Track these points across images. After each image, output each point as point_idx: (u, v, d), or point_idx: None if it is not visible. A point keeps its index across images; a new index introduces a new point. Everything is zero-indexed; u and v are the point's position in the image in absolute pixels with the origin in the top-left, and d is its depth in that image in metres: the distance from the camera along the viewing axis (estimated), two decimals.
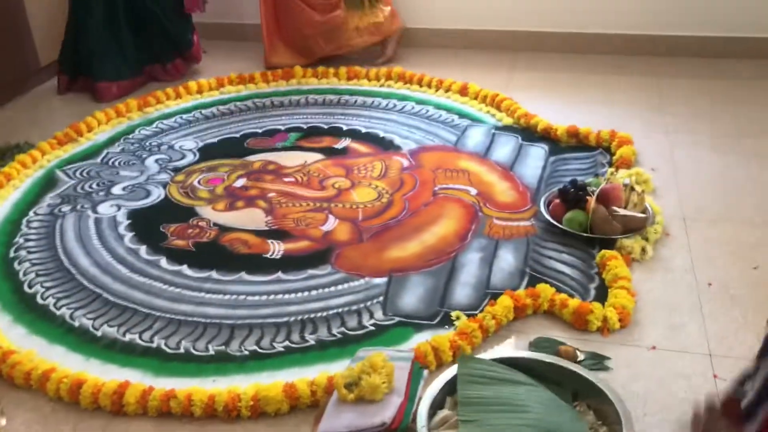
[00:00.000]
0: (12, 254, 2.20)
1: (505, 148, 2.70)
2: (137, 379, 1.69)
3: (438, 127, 2.89)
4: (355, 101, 3.17)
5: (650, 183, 2.39)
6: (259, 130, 2.94)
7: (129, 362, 1.77)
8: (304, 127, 2.95)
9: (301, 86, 3.35)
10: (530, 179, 2.48)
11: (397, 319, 1.87)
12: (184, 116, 3.09)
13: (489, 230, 2.21)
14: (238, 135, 2.91)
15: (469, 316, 1.85)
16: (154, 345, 1.82)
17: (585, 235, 2.11)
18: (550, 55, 3.58)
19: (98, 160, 2.74)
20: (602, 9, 3.51)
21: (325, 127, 2.94)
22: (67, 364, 1.75)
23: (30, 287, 2.05)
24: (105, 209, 2.42)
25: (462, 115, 2.98)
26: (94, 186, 2.56)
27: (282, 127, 2.95)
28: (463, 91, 3.12)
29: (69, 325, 1.89)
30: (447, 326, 1.83)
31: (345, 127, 2.93)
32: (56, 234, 2.29)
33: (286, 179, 2.54)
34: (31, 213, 2.41)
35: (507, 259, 2.07)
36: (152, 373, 1.73)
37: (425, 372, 1.58)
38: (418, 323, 1.85)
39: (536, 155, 2.64)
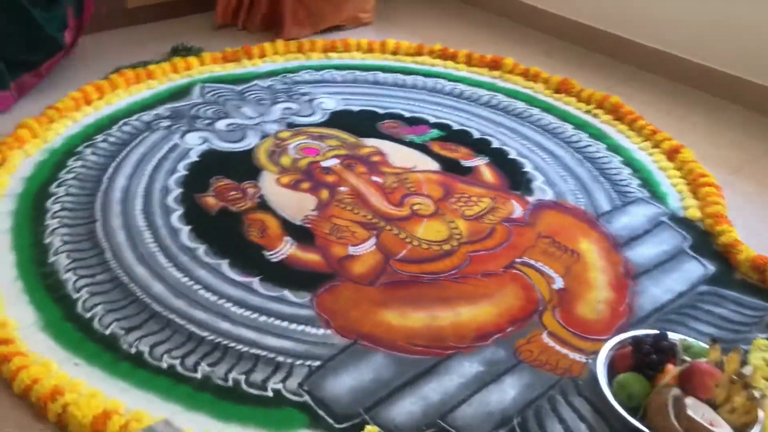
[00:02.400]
0: (80, 149, 2.20)
1: (657, 246, 1.98)
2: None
3: (602, 186, 2.23)
4: (539, 120, 2.59)
5: None
6: (407, 114, 2.56)
7: (37, 302, 1.65)
8: (454, 127, 2.50)
9: (501, 82, 2.84)
10: (648, 301, 1.78)
11: (305, 398, 1.46)
12: (358, 73, 2.83)
13: (524, 343, 1.63)
14: (381, 111, 2.57)
15: None
16: (76, 296, 1.66)
17: (626, 416, 1.43)
18: None
19: (237, 88, 2.63)
20: None
21: (476, 135, 2.45)
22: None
23: (58, 185, 2.03)
24: (192, 139, 2.30)
25: (646, 183, 2.26)
26: (209, 113, 2.46)
27: (431, 119, 2.53)
28: (672, 155, 2.37)
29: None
30: None
31: (496, 144, 2.41)
32: (129, 145, 2.24)
33: (375, 178, 2.17)
34: (134, 117, 2.39)
35: (505, 393, 1.50)
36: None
37: None
38: (321, 417, 1.42)
39: (688, 273, 1.89)
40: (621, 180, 2.27)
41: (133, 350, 1.53)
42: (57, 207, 1.94)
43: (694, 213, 2.10)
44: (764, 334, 1.70)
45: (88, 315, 1.61)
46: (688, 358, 1.49)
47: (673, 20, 2.91)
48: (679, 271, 1.90)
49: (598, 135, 2.52)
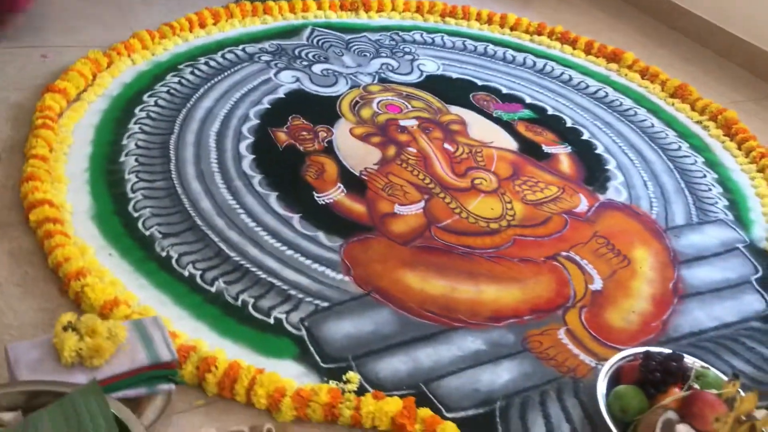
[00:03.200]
0: (181, 67, 2.33)
1: (721, 272, 1.85)
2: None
3: (684, 199, 2.09)
4: (642, 121, 2.46)
5: None
6: (504, 89, 2.51)
7: (96, 194, 1.79)
8: (548, 111, 2.42)
9: (616, 76, 2.71)
10: (687, 323, 1.68)
11: (302, 332, 1.51)
12: (469, 41, 2.79)
13: (536, 334, 1.59)
14: (479, 82, 2.53)
15: (360, 390, 1.39)
16: (131, 196, 1.79)
17: (611, 426, 1.36)
18: None
19: (346, 37, 2.67)
20: None
21: (569, 123, 2.37)
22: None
23: (150, 95, 2.16)
24: (285, 77, 2.38)
25: (734, 206, 2.10)
26: (310, 56, 2.52)
27: (527, 99, 2.47)
28: None
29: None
30: (325, 378, 1.42)
31: (586, 136, 2.32)
32: (226, 72, 2.35)
33: (447, 145, 2.15)
34: (240, 47, 2.49)
35: (499, 376, 1.48)
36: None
37: (167, 386, 1.24)
38: (310, 353, 1.46)
39: (745, 305, 1.76)
40: (708, 197, 2.12)
41: (163, 254, 1.64)
42: (143, 114, 2.08)
43: None
44: None
45: (136, 214, 1.73)
46: (697, 386, 1.39)
47: None
48: (736, 302, 1.76)
49: (699, 147, 2.36)
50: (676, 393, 1.37)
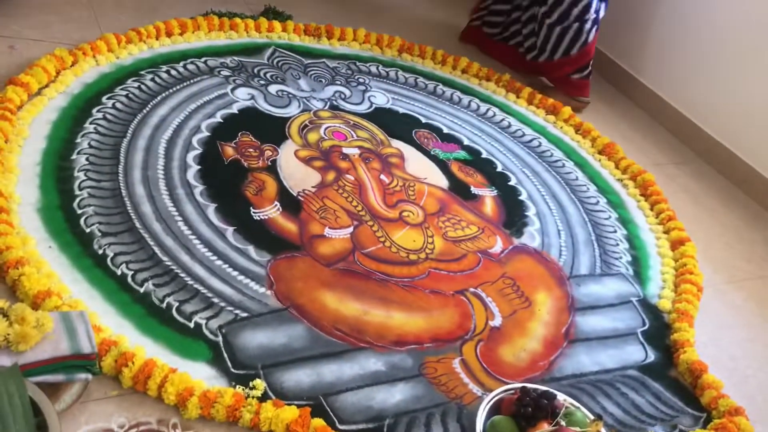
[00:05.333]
0: (143, 73, 2.45)
1: (611, 322, 2.04)
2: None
3: (592, 251, 2.29)
4: (568, 173, 2.66)
5: None
6: (445, 129, 2.68)
7: (44, 188, 1.91)
8: (482, 155, 2.60)
9: (552, 127, 2.91)
10: (571, 365, 1.86)
11: (219, 339, 1.64)
12: (421, 79, 2.96)
13: (433, 361, 1.75)
14: (423, 120, 2.70)
15: (264, 397, 1.54)
16: (77, 193, 1.91)
17: None
18: None
19: (305, 61, 2.83)
20: None
21: (499, 168, 2.55)
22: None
23: (109, 98, 2.28)
24: (240, 94, 2.52)
25: (636, 262, 2.30)
26: (268, 76, 2.67)
27: (465, 141, 2.65)
28: (675, 245, 2.38)
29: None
30: (234, 383, 1.56)
31: (512, 182, 2.51)
32: (186, 82, 2.48)
33: (383, 177, 2.32)
34: (202, 59, 2.63)
35: (392, 396, 1.64)
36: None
37: (84, 375, 1.38)
38: (223, 358, 1.60)
39: (627, 354, 1.95)
40: (614, 252, 2.32)
41: (100, 251, 1.76)
42: (99, 115, 2.20)
43: (665, 304, 2.14)
44: None
45: (80, 212, 1.85)
46: (563, 422, 1.57)
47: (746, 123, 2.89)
48: (619, 350, 1.95)
49: (616, 203, 2.56)
50: (544, 427, 1.55)
